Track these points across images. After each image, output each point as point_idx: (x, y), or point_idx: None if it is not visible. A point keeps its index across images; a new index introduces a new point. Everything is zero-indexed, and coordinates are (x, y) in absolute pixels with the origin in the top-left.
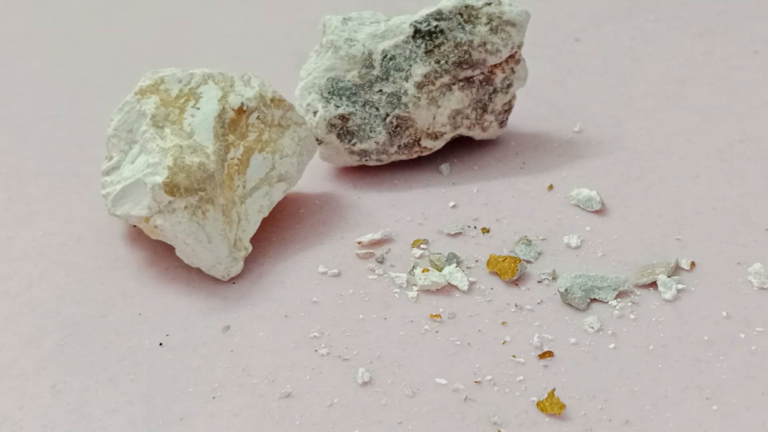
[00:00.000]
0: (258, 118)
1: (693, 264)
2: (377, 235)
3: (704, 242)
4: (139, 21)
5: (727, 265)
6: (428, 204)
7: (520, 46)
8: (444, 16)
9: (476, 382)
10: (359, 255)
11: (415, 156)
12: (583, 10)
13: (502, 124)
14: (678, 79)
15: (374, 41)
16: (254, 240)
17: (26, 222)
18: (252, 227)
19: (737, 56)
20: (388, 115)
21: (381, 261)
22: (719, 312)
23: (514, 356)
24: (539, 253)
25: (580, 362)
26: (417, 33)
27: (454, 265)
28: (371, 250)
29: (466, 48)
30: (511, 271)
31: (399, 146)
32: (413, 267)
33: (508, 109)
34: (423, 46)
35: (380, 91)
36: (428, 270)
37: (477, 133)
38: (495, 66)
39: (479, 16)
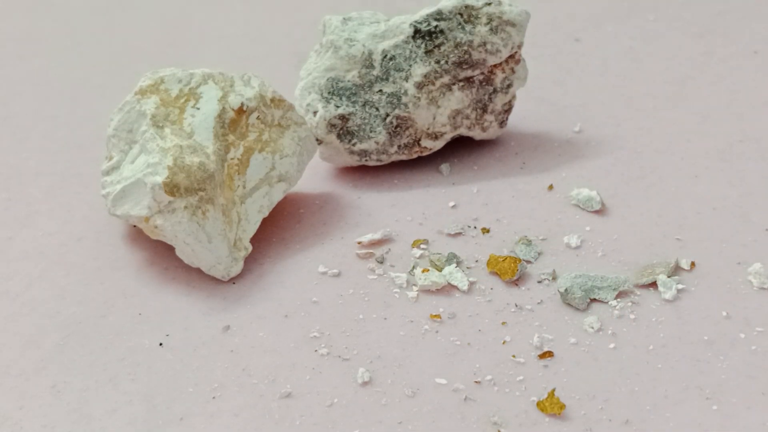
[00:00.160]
0: (258, 118)
1: (693, 264)
2: (377, 235)
3: (704, 242)
4: (139, 21)
5: (727, 265)
6: (428, 204)
7: (520, 46)
8: (444, 16)
9: (476, 382)
10: (359, 255)
11: (415, 156)
12: (583, 10)
13: (502, 124)
14: (678, 79)
15: (374, 41)
16: (254, 240)
17: (26, 222)
18: (252, 227)
19: (737, 56)
20: (388, 115)
21: (381, 261)
22: (719, 312)
23: (514, 356)
24: (539, 253)
25: (580, 362)
26: (417, 33)
27: (454, 265)
28: (371, 250)
29: (466, 48)
30: (511, 271)
31: (399, 146)
32: (413, 267)
33: (508, 109)
34: (423, 46)
35: (380, 91)
36: (428, 270)
37: (477, 133)
38: (495, 66)
39: (479, 16)
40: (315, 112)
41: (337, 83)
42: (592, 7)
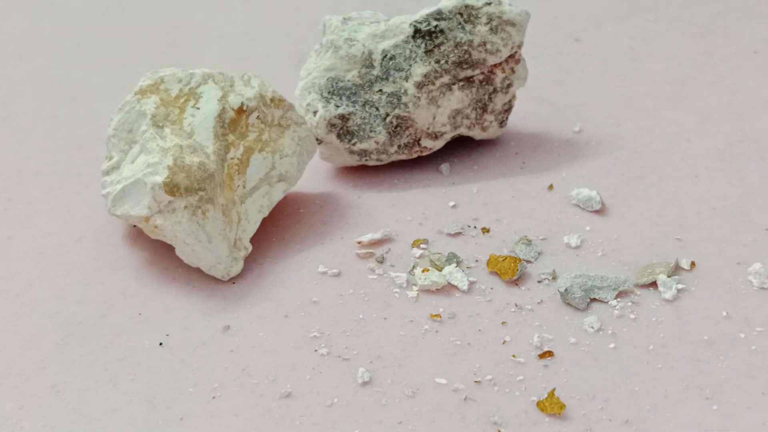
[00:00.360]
0: (258, 118)
1: (693, 264)
2: (377, 235)
3: (704, 242)
4: (139, 21)
5: (727, 265)
6: (428, 204)
7: (520, 46)
8: (444, 15)
9: (476, 382)
10: (359, 255)
11: (415, 156)
12: (583, 10)
13: (502, 124)
14: (678, 79)
15: (374, 41)
16: (254, 240)
17: (26, 222)
18: (252, 227)
19: (737, 56)
20: (388, 114)
21: (381, 261)
22: (719, 312)
23: (514, 356)
24: (539, 253)
25: (580, 362)
26: (417, 33)
27: (454, 265)
28: (371, 250)
29: (466, 48)
30: (511, 271)
31: (399, 146)
32: (413, 267)
33: (508, 109)
34: (423, 45)
35: (380, 90)
36: (428, 270)
37: (477, 133)
38: (495, 66)
39: (479, 15)
40: (315, 112)
41: (337, 83)
42: (592, 7)
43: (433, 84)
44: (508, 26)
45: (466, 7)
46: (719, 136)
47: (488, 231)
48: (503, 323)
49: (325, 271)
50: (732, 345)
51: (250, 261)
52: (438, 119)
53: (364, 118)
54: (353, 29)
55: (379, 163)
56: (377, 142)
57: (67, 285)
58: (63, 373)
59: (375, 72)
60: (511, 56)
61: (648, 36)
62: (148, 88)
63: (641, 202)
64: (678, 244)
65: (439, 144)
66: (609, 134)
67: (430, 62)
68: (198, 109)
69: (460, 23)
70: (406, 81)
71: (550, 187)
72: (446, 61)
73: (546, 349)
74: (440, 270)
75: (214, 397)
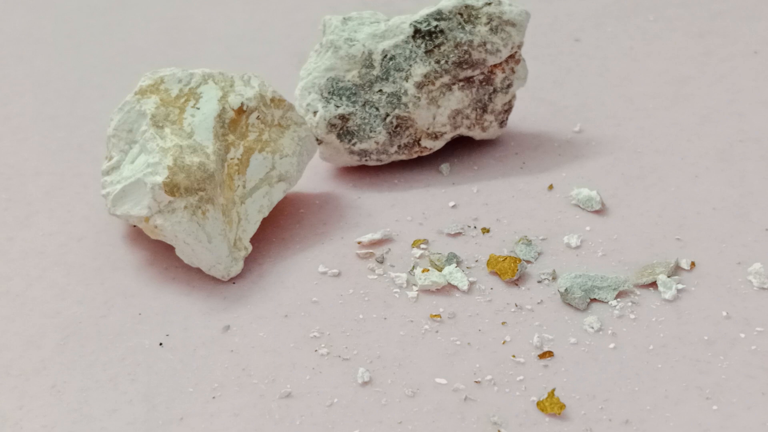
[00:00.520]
0: (258, 118)
1: (693, 264)
2: (377, 235)
3: (704, 242)
4: (139, 21)
5: (727, 265)
6: (428, 204)
7: (520, 46)
8: (444, 16)
9: (476, 382)
10: (359, 255)
11: (415, 156)
12: (583, 10)
13: (502, 124)
14: (678, 79)
15: (374, 41)
16: (254, 240)
17: (26, 222)
18: (252, 227)
19: (737, 56)
20: (388, 115)
21: (381, 261)
22: (719, 312)
23: (514, 356)
24: (539, 253)
25: (580, 362)
26: (417, 33)
27: (454, 265)
28: (371, 250)
29: (466, 48)
30: (511, 271)
31: (399, 146)
32: (413, 267)
33: (508, 109)
34: (423, 46)
35: (380, 91)
36: (428, 270)
37: (477, 133)
38: (495, 66)
39: (479, 16)
40: (315, 112)
41: (337, 83)
42: (592, 7)
43: (433, 84)
44: (508, 26)
45: (466, 7)
46: (719, 136)
47: (488, 231)
48: (503, 323)
49: (325, 271)
50: (732, 345)
51: (250, 261)
52: (438, 119)
53: (364, 118)
54: (353, 29)
55: (379, 163)
56: (377, 142)
57: (67, 285)
58: (63, 373)
59: (375, 72)
60: (511, 56)
61: (648, 36)
62: (148, 88)
63: (641, 202)
64: (678, 244)
65: (439, 144)
66: (609, 134)
67: (430, 62)
68: (198, 109)
69: (460, 23)
70: (406, 81)
71: (550, 187)
72: (446, 62)
73: (546, 349)
74: (440, 270)
75: (214, 397)
